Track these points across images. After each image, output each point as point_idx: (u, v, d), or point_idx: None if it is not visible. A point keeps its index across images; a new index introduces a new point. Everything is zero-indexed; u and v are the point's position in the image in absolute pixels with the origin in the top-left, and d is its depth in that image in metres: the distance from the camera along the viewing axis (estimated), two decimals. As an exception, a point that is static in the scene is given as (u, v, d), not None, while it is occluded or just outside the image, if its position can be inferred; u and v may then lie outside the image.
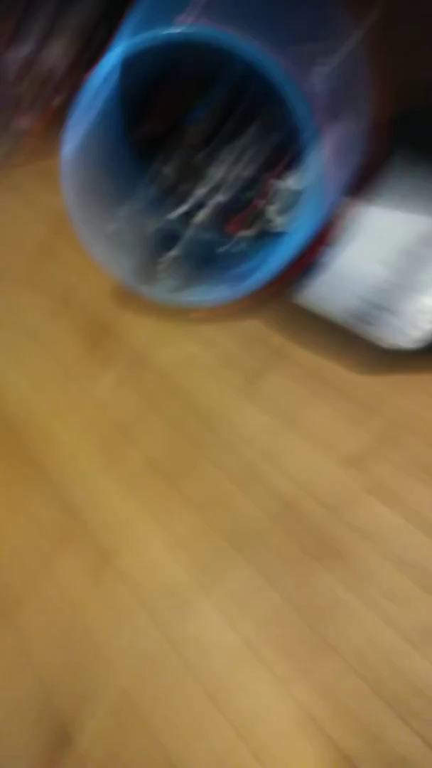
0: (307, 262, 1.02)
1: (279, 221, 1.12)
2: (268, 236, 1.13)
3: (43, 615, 0.71)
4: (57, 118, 1.28)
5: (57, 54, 1.55)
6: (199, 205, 1.14)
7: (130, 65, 0.90)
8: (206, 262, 1.15)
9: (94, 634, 0.69)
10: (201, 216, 1.13)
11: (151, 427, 0.98)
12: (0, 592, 0.74)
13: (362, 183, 0.92)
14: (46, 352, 1.16)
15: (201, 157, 1.13)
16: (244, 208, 1.13)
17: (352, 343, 0.95)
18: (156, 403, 1.03)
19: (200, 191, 1.14)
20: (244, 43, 0.53)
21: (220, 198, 1.13)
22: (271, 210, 1.12)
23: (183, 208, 1.13)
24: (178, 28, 0.50)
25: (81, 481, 0.88)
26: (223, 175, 1.13)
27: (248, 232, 1.14)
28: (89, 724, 0.61)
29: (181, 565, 0.76)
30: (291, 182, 1.09)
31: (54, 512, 0.84)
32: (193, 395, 1.04)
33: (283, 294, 1.07)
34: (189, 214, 1.13)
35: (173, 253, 1.13)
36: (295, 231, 0.99)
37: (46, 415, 1.01)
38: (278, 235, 1.09)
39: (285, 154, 1.05)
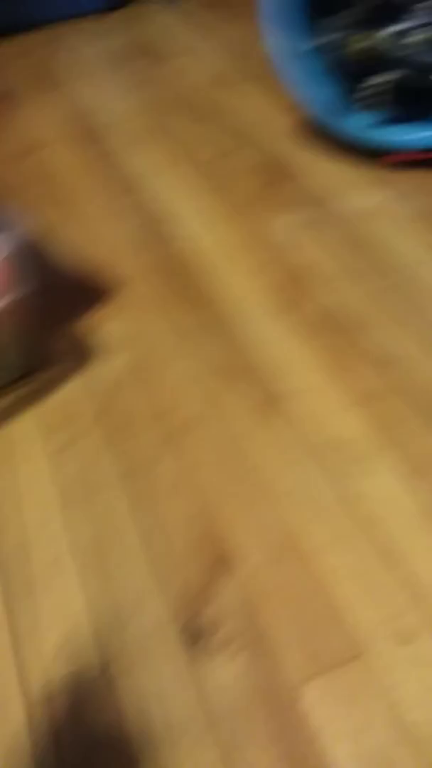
0: None
1: None
2: None
3: (209, 445, 0.69)
4: None
5: None
6: (418, 24, 0.95)
7: None
8: (417, 95, 0.98)
9: (260, 472, 0.66)
10: (418, 36, 0.95)
11: (329, 276, 0.89)
12: (166, 417, 0.72)
13: None
14: (218, 189, 1.08)
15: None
16: None
17: None
18: (335, 252, 0.93)
19: (420, 5, 0.95)
20: None
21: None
22: None
23: (397, 27, 0.95)
24: None
25: (251, 324, 0.83)
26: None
27: None
28: (251, 556, 0.59)
29: (356, 421, 0.70)
30: None
31: (222, 350, 0.80)
32: (378, 248, 0.92)
33: None
34: (403, 34, 0.95)
35: (379, 79, 0.97)
36: None
37: (217, 254, 0.95)
38: None
39: None
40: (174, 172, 1.12)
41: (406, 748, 0.47)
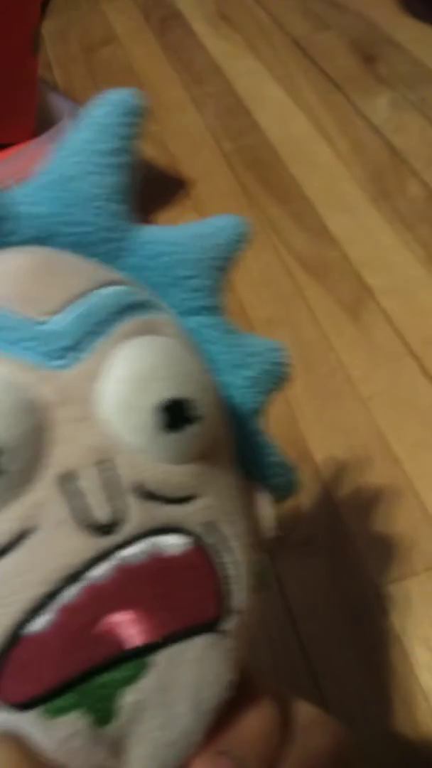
0: None
1: None
2: None
3: (292, 342, 0.65)
4: None
5: None
6: None
7: None
8: None
9: (348, 371, 0.63)
10: None
11: (434, 161, 0.81)
12: (247, 314, 0.70)
13: None
14: (311, 69, 1.00)
15: None
16: None
17: None
18: (443, 133, 0.85)
19: None
20: None
21: None
22: None
23: None
24: None
25: (344, 211, 0.78)
26: None
27: None
28: (335, 456, 0.58)
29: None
30: None
31: (310, 243, 0.76)
32: None
33: None
34: None
35: None
36: None
37: (306, 139, 0.89)
38: None
39: None
40: (260, 52, 1.05)
41: None
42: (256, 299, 0.71)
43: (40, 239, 0.23)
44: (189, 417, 0.19)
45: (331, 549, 0.53)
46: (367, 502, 0.55)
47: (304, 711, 0.19)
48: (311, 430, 0.60)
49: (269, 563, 0.52)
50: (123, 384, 0.19)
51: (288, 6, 1.13)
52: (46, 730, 0.17)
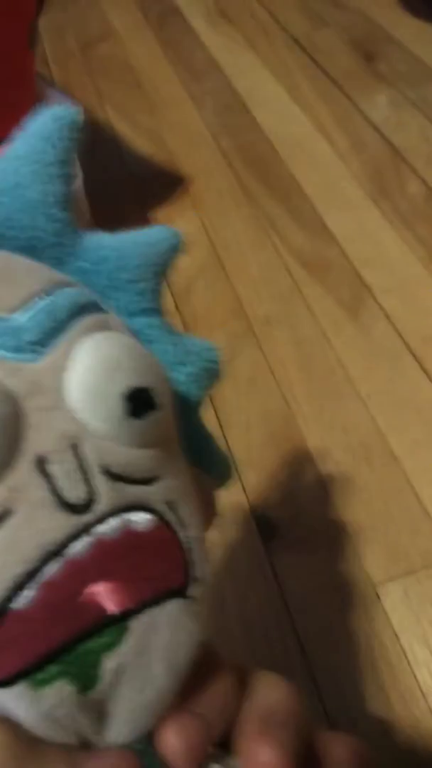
0: None
1: None
2: None
3: (291, 340, 0.67)
4: None
5: None
6: None
7: None
8: None
9: (346, 369, 0.63)
10: None
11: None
12: (246, 311, 0.71)
13: None
14: (310, 66, 1.01)
15: None
16: None
17: None
18: (443, 132, 0.85)
19: None
20: None
21: None
22: None
23: None
24: None
25: (344, 209, 0.78)
26: None
27: None
28: (333, 454, 0.58)
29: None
30: None
31: (308, 241, 0.76)
32: None
33: None
34: None
35: None
36: None
37: (308, 131, 0.89)
38: None
39: None
40: (259, 49, 1.05)
41: None
42: (254, 297, 0.71)
43: None
44: (151, 404, 0.21)
45: (329, 546, 0.53)
46: (366, 499, 0.55)
47: (257, 673, 0.21)
48: (310, 429, 0.60)
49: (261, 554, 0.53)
50: (90, 374, 0.21)
51: (287, 3, 1.13)
52: (31, 703, 0.18)
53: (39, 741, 0.18)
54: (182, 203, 0.83)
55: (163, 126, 0.95)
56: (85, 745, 0.19)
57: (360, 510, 0.55)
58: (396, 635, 0.48)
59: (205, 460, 0.27)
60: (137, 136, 0.94)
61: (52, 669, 0.18)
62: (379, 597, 0.50)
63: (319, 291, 0.71)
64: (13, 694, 0.18)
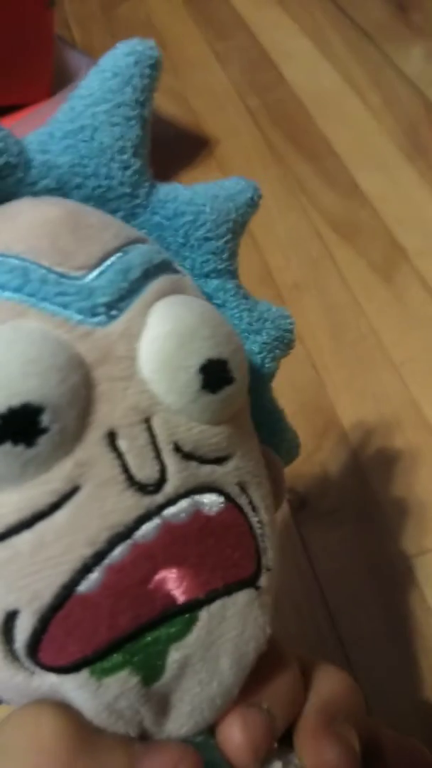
0: None
1: None
2: None
3: (320, 306, 0.65)
4: None
5: None
6: None
7: None
8: None
9: (378, 336, 0.61)
10: None
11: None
12: (274, 278, 0.69)
13: None
14: (339, 20, 0.97)
15: None
16: None
17: None
18: None
19: None
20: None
21: None
22: None
23: None
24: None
25: (376, 167, 0.75)
26: None
27: None
28: (365, 423, 0.57)
29: None
30: None
31: (340, 198, 0.73)
32: None
33: None
34: None
35: None
36: None
37: (338, 87, 0.86)
38: None
39: None
40: (286, 3, 1.01)
41: None
42: (283, 262, 0.70)
43: (57, 191, 0.22)
44: (227, 378, 0.19)
45: (359, 518, 0.52)
46: (397, 470, 0.54)
47: (318, 665, 0.21)
48: (340, 398, 0.59)
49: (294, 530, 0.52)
50: (166, 343, 0.19)
51: None
52: (92, 692, 0.17)
53: (97, 731, 0.17)
54: (207, 165, 0.81)
55: (188, 86, 0.92)
56: (144, 737, 0.18)
57: (391, 480, 0.53)
58: (429, 609, 0.47)
59: (274, 437, 0.25)
60: (161, 98, 0.92)
61: (116, 658, 0.17)
62: (411, 569, 0.49)
63: (350, 255, 0.68)
64: (75, 682, 0.17)
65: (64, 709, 0.17)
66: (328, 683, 0.20)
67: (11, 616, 0.17)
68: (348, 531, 0.51)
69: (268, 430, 0.26)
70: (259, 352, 0.25)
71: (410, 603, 0.48)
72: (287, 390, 0.61)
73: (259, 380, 0.25)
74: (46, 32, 0.75)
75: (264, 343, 0.25)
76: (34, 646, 0.17)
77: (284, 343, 0.25)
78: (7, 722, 0.17)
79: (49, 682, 0.17)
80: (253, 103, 0.87)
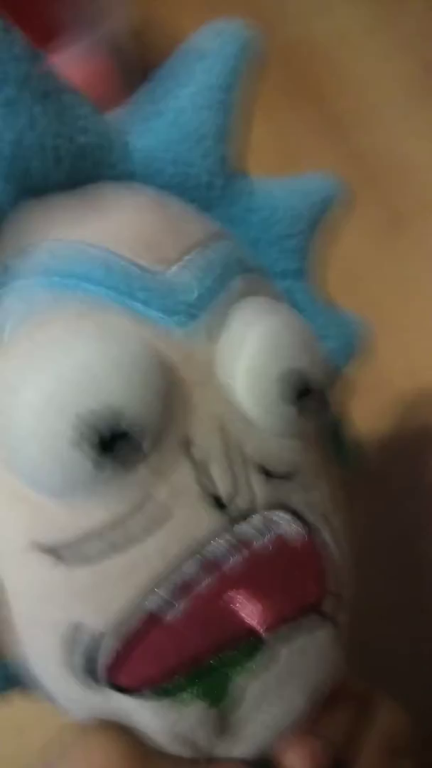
0: None
1: None
2: None
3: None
4: None
5: None
6: None
7: None
8: None
9: (384, 301, 0.62)
10: None
11: None
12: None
13: None
14: None
15: None
16: None
17: None
18: None
19: None
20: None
21: None
22: None
23: None
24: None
25: (377, 127, 0.74)
26: None
27: None
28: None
29: None
30: None
31: (340, 159, 0.72)
32: None
33: None
34: None
35: None
36: None
37: (334, 41, 0.83)
38: None
39: None
40: None
41: None
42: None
43: (136, 176, 0.21)
44: (306, 390, 0.19)
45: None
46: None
47: (378, 698, 0.21)
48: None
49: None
50: (248, 350, 0.18)
51: None
52: (156, 714, 0.17)
53: (156, 751, 0.18)
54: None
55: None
56: (206, 758, 0.19)
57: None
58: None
59: (335, 446, 0.25)
60: (173, 46, 0.88)
61: (182, 681, 0.17)
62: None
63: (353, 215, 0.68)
64: (138, 702, 0.17)
65: (124, 729, 0.17)
66: (388, 719, 0.21)
67: (97, 638, 0.17)
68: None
69: (330, 438, 0.25)
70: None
71: None
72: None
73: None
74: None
75: (333, 350, 0.24)
76: (112, 668, 0.17)
77: (354, 350, 0.25)
78: (75, 747, 0.17)
79: (115, 700, 0.17)
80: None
